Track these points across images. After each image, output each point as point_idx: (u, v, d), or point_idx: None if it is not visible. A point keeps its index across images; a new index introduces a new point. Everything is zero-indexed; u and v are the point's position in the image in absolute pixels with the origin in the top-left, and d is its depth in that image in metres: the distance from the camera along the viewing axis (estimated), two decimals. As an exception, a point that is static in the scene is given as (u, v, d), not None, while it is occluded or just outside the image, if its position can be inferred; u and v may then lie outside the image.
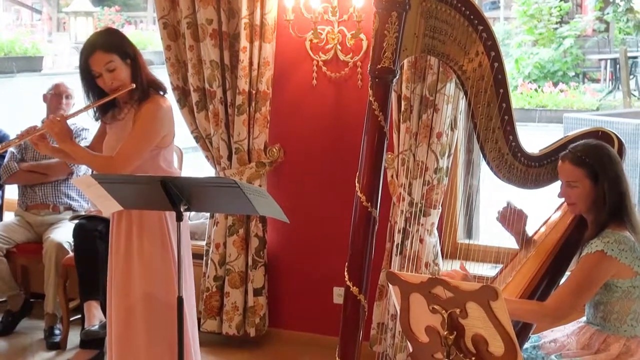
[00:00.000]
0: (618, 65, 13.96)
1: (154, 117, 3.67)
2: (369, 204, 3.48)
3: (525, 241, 3.64)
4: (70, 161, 3.99)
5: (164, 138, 3.73)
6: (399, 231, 4.53)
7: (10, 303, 5.31)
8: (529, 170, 3.63)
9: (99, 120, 3.84)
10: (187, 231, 3.89)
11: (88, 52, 3.65)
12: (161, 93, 3.78)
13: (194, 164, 6.37)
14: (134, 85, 3.65)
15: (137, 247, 3.70)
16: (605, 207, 3.21)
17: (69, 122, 3.74)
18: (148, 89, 3.71)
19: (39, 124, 5.36)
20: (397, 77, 3.59)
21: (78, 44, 16.82)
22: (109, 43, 3.67)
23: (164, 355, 3.69)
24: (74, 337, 4.96)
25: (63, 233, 5.11)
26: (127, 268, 3.71)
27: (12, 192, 5.66)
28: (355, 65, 4.71)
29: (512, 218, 3.62)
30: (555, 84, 13.70)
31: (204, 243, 5.08)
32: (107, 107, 3.76)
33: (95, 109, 3.75)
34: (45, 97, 5.38)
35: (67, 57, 16.80)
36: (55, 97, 5.34)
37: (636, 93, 14.00)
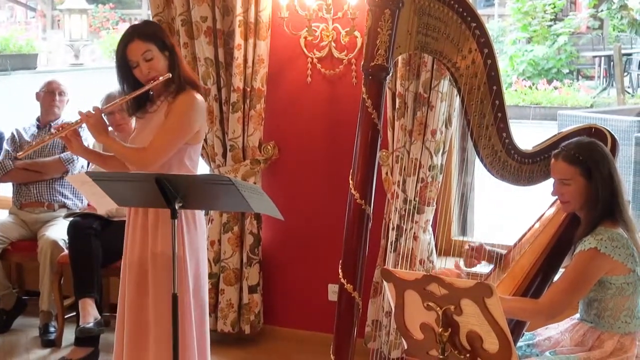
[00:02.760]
0: (612, 63, 13.96)
1: (191, 109, 3.61)
2: (363, 201, 3.49)
3: (497, 256, 3.65)
4: (100, 164, 3.92)
5: (196, 134, 3.66)
6: (393, 228, 4.53)
7: (3, 301, 5.30)
8: (523, 167, 3.64)
9: (133, 115, 3.77)
10: (204, 230, 3.84)
11: (126, 40, 3.59)
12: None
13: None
14: (170, 75, 3.59)
15: (152, 247, 3.65)
16: (598, 205, 3.22)
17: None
18: (184, 84, 3.65)
19: (34, 122, 5.43)
20: (391, 74, 3.60)
21: (72, 41, 16.83)
22: (148, 32, 3.63)
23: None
24: (69, 335, 4.96)
25: (58, 230, 5.11)
26: (141, 267, 3.67)
27: (6, 190, 5.65)
28: (349, 62, 4.71)
29: (475, 257, 3.63)
30: (549, 81, 13.72)
31: (198, 240, 5.08)
32: (143, 101, 3.68)
33: (129, 103, 3.67)
34: (38, 96, 5.38)
35: (62, 54, 16.79)
36: (48, 94, 5.34)
37: (630, 90, 14.01)
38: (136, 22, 3.98)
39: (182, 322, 3.58)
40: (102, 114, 3.64)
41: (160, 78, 3.59)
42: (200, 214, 3.76)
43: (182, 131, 3.60)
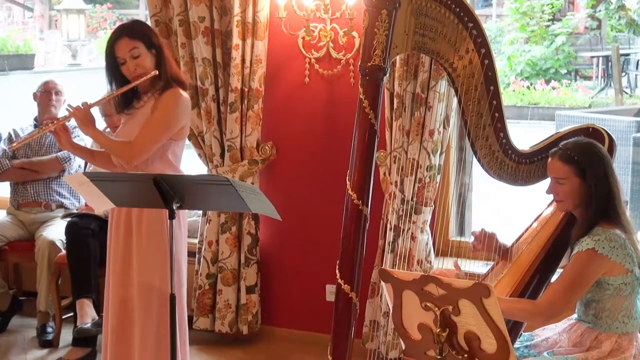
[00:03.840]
0: (610, 63, 13.99)
1: (176, 104, 3.70)
2: (360, 201, 3.50)
3: (503, 248, 3.64)
4: (87, 159, 4.02)
5: (180, 130, 3.76)
6: (391, 229, 4.53)
7: (-1, 302, 5.31)
8: (520, 167, 3.64)
9: (120, 112, 3.84)
10: (185, 228, 3.90)
11: (114, 37, 3.71)
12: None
13: (186, 162, 6.37)
14: (156, 72, 3.68)
15: (136, 243, 3.71)
16: (592, 205, 3.22)
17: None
18: (171, 81, 3.74)
19: (31, 122, 5.44)
20: (388, 74, 3.60)
21: (70, 41, 16.82)
22: (136, 30, 3.74)
23: (158, 346, 3.69)
24: (67, 335, 4.96)
25: (55, 231, 5.10)
26: (125, 263, 3.73)
27: (3, 190, 5.65)
28: (347, 62, 4.71)
29: (484, 243, 3.62)
30: (547, 82, 13.72)
31: (196, 241, 5.08)
32: (131, 98, 3.78)
33: (117, 99, 3.77)
34: (35, 96, 5.39)
35: (59, 54, 16.77)
36: (45, 94, 5.34)
37: (628, 90, 14.02)
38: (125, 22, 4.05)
39: (164, 318, 3.62)
40: (90, 109, 3.70)
41: (147, 75, 3.67)
42: None
43: (167, 127, 3.70)
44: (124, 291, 3.74)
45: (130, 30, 3.73)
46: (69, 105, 3.70)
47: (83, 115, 3.65)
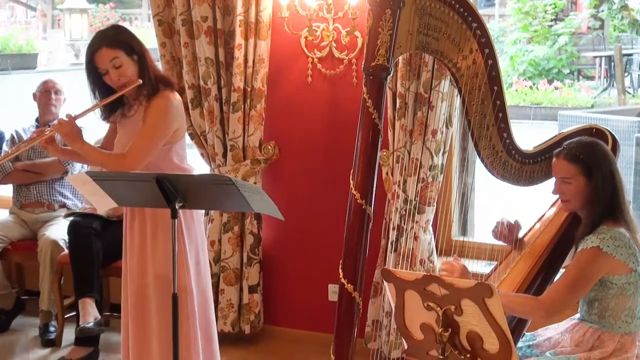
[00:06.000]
0: (613, 63, 13.98)
1: (165, 112, 3.64)
2: (363, 201, 3.49)
3: (518, 240, 3.65)
4: (82, 162, 3.99)
5: (175, 132, 3.70)
6: (393, 228, 4.53)
7: (2, 301, 5.30)
8: (523, 167, 3.64)
9: (107, 120, 3.81)
10: (201, 220, 3.87)
11: (93, 48, 3.62)
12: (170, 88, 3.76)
13: (188, 162, 6.36)
14: (140, 81, 3.62)
15: (151, 245, 3.69)
16: (599, 204, 3.22)
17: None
18: (157, 84, 3.67)
19: (33, 122, 5.43)
20: (392, 74, 3.59)
21: (73, 41, 16.86)
22: (115, 39, 3.64)
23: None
24: (69, 334, 4.96)
25: (58, 230, 5.10)
26: (142, 257, 3.71)
27: (6, 190, 5.65)
28: (350, 62, 4.71)
29: (506, 232, 3.64)
30: (550, 82, 13.72)
31: (199, 240, 5.08)
32: (115, 106, 3.72)
33: (102, 108, 3.72)
34: (34, 96, 5.39)
35: (62, 54, 16.80)
36: (44, 93, 5.34)
37: (630, 90, 14.02)
38: (103, 27, 3.97)
39: (187, 321, 3.64)
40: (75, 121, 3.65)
41: (131, 86, 3.61)
42: None
43: (158, 135, 3.64)
44: (142, 286, 3.72)
45: (109, 40, 3.62)
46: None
47: (67, 129, 3.59)
